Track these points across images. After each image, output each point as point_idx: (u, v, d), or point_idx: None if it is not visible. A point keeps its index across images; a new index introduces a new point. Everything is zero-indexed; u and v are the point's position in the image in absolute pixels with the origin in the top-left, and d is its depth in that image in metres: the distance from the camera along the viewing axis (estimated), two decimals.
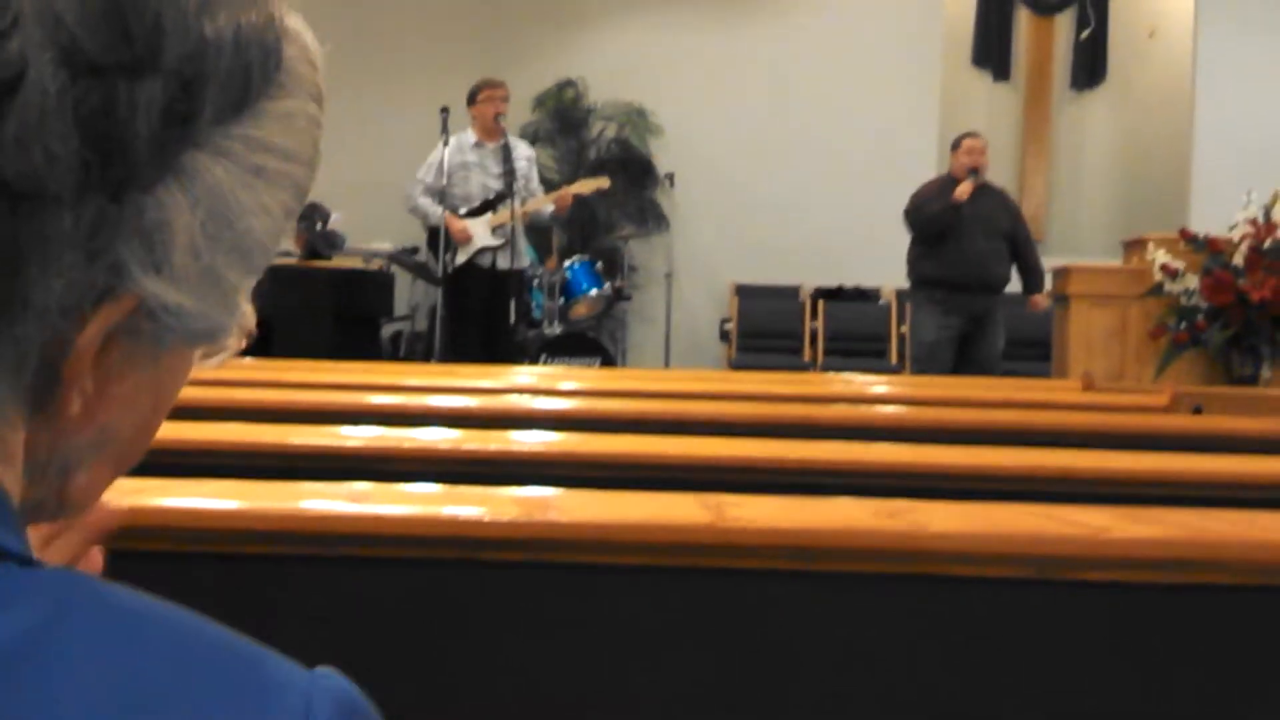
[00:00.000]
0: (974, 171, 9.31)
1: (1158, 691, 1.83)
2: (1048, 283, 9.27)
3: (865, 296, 12.65)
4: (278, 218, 0.75)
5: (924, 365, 9.31)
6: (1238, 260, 7.60)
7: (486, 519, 1.77)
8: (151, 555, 1.67)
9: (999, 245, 9.30)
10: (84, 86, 0.64)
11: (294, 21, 0.76)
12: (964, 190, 9.19)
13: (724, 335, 12.78)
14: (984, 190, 9.39)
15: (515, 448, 2.81)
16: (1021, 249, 9.45)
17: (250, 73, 0.70)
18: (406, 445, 2.80)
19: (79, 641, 0.63)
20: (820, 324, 12.49)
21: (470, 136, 9.32)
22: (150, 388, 0.75)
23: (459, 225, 9.07)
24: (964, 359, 9.27)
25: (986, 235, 9.23)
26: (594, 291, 10.43)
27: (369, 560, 1.78)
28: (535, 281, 10.28)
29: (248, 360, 5.33)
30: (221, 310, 0.74)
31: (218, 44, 0.68)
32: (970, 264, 9.17)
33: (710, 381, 5.34)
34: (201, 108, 0.68)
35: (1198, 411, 4.95)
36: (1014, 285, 9.67)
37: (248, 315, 0.90)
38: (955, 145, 9.65)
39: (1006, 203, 9.65)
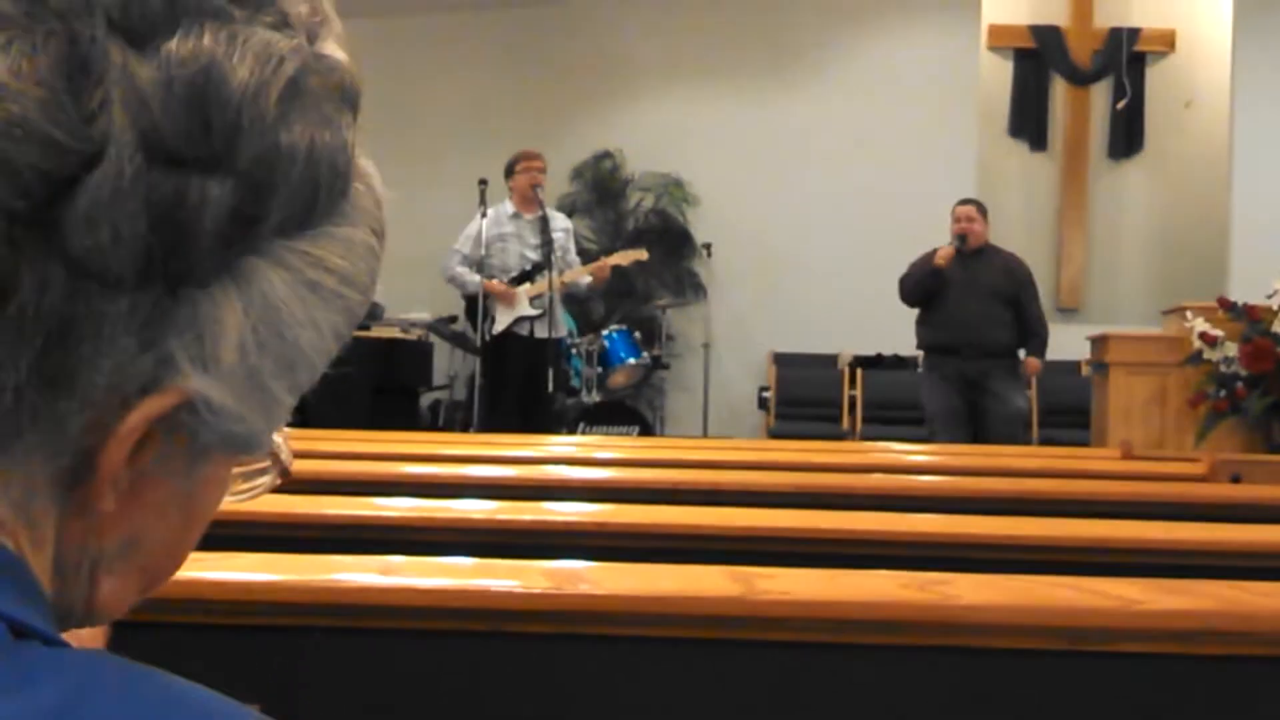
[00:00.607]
0: (961, 239, 9.37)
1: None
2: (1086, 351, 9.22)
3: (903, 364, 12.62)
4: (327, 337, 0.75)
5: (936, 433, 9.24)
6: (1277, 328, 7.57)
7: (516, 591, 1.77)
8: (181, 627, 1.68)
9: (995, 309, 9.27)
10: (159, 174, 0.65)
11: (366, 163, 0.78)
12: (943, 257, 9.28)
13: (762, 403, 12.78)
14: (982, 255, 9.43)
15: (550, 519, 2.81)
16: (1023, 311, 9.39)
17: (318, 189, 0.71)
18: (441, 516, 2.81)
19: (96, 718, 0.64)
20: (859, 392, 12.48)
21: (508, 208, 9.36)
22: (182, 501, 0.75)
23: (501, 287, 9.11)
24: (979, 427, 9.22)
25: (980, 299, 9.23)
26: (632, 360, 10.44)
27: (398, 632, 1.79)
28: (574, 350, 10.29)
29: (285, 430, 5.35)
30: (261, 419, 0.74)
31: (291, 154, 0.69)
32: (958, 328, 9.19)
33: (746, 451, 5.34)
34: (267, 214, 0.69)
35: (1237, 480, 4.91)
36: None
37: (285, 450, 0.90)
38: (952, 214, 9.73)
39: (1011, 265, 9.60)
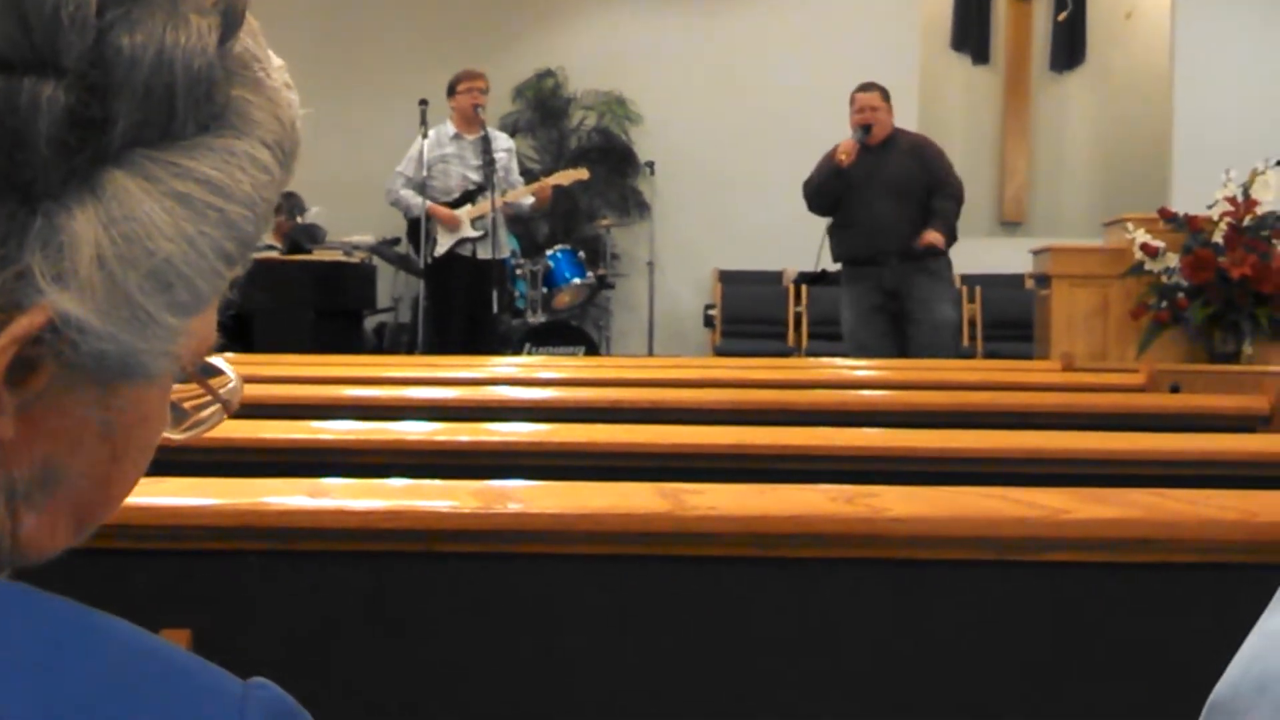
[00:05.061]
0: (864, 129, 8.36)
1: (1116, 670, 1.84)
2: (1029, 264, 9.22)
3: None
4: (206, 254, 0.71)
5: (851, 350, 8.26)
6: (1217, 238, 7.62)
7: (446, 511, 1.78)
8: (114, 553, 1.68)
9: (909, 207, 8.24)
10: None
11: (271, 78, 0.75)
12: (844, 151, 8.23)
13: (708, 321, 12.79)
14: (889, 146, 8.41)
15: (487, 439, 2.82)
16: (933, 193, 8.35)
17: (173, 95, 0.68)
18: (378, 438, 2.81)
19: (8, 651, 0.63)
20: (804, 308, 12.50)
21: (449, 129, 9.30)
22: (100, 432, 0.73)
23: (446, 212, 9.07)
24: (903, 339, 8.25)
25: (892, 198, 8.22)
26: (577, 280, 10.44)
27: (331, 554, 1.79)
28: (518, 271, 10.27)
29: (227, 355, 5.33)
30: (136, 338, 0.70)
31: (132, 57, 0.67)
32: (871, 234, 8.20)
33: (688, 369, 5.35)
34: (113, 119, 0.67)
35: (1175, 390, 4.96)
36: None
37: (233, 385, 0.88)
38: (850, 101, 8.68)
39: (919, 146, 8.61)
